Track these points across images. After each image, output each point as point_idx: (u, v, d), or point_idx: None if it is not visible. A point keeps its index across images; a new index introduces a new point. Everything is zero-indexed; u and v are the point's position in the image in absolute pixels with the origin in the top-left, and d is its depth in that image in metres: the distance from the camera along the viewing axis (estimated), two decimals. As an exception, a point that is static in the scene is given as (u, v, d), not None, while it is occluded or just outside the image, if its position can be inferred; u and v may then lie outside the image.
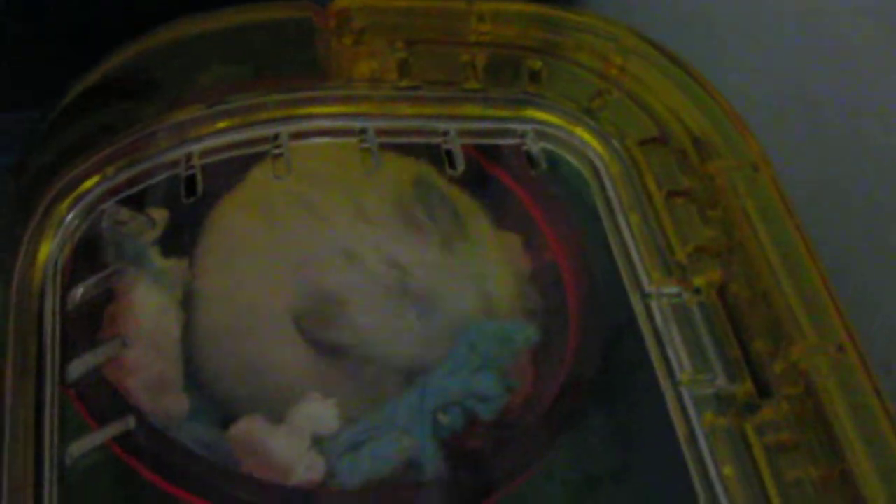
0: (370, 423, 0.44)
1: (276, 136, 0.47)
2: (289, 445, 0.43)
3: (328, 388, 0.45)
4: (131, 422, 0.41)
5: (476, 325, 0.47)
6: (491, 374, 0.46)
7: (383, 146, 0.48)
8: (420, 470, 0.44)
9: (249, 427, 0.44)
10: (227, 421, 0.45)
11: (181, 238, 0.48)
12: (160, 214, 0.47)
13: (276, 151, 0.47)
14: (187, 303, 0.47)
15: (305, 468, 0.43)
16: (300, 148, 0.47)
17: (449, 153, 0.48)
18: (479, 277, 0.48)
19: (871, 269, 0.58)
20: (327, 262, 0.47)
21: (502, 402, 0.46)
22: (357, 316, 0.46)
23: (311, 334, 0.46)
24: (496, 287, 0.48)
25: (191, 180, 0.46)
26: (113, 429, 0.41)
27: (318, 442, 0.44)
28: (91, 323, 0.45)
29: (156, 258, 0.47)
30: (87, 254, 0.45)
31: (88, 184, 0.45)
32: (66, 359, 0.42)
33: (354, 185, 0.48)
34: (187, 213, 0.48)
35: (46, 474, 0.39)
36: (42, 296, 0.43)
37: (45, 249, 0.44)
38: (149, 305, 0.46)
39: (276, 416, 0.44)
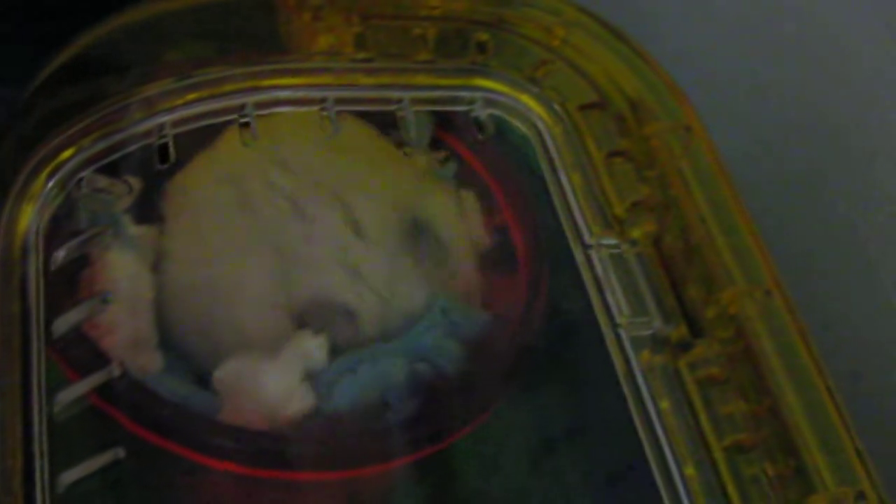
0: (359, 356, 0.46)
1: (242, 107, 0.48)
2: (280, 380, 0.44)
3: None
4: (115, 370, 0.43)
5: (445, 295, 0.49)
6: (456, 342, 0.47)
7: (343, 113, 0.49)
8: (388, 412, 0.45)
9: (239, 366, 0.45)
10: (200, 375, 0.46)
11: (152, 205, 0.49)
12: (135, 182, 0.48)
13: (243, 120, 0.48)
14: (158, 266, 0.48)
15: (299, 399, 0.44)
16: (273, 128, 0.49)
17: (403, 120, 0.50)
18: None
19: (811, 233, 0.60)
20: (331, 273, 0.48)
21: (465, 365, 0.47)
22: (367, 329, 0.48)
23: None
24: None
25: (163, 148, 0.47)
26: (98, 377, 0.43)
27: (309, 375, 0.45)
28: (73, 283, 0.46)
29: (128, 225, 0.48)
30: (67, 220, 0.46)
31: (66, 154, 0.46)
32: (50, 317, 0.43)
33: (340, 185, 0.49)
34: (158, 181, 0.49)
35: (35, 426, 0.40)
36: (24, 259, 0.44)
37: (26, 218, 0.45)
38: (123, 268, 0.47)
39: (266, 354, 0.45)
